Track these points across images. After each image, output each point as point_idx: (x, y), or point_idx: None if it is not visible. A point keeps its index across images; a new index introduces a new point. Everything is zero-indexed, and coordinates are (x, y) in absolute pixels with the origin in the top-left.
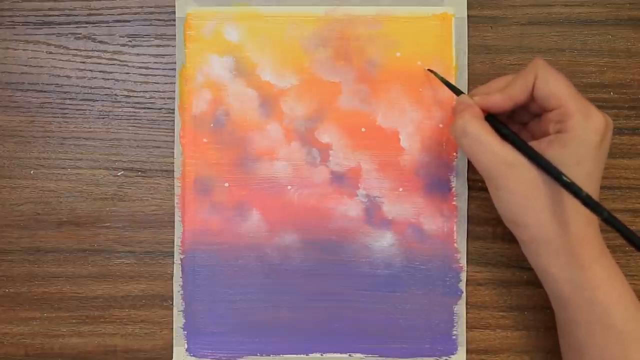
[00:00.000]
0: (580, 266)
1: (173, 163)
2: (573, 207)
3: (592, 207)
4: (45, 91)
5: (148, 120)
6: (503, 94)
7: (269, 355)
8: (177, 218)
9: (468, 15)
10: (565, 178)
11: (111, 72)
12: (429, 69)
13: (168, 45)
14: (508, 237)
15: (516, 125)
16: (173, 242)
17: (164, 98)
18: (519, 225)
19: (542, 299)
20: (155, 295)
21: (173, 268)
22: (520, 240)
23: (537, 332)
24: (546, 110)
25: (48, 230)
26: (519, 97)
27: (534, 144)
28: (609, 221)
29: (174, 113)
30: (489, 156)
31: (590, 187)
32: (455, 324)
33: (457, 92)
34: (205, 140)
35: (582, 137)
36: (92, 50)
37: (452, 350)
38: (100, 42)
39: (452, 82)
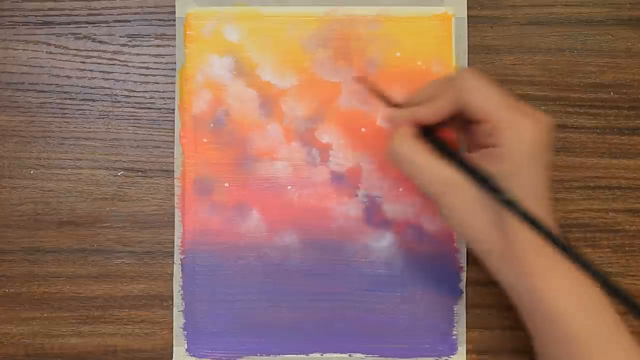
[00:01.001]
0: (538, 276)
1: (173, 163)
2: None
3: (530, 222)
4: (45, 91)
5: (148, 120)
6: (430, 107)
7: (269, 355)
8: (177, 218)
9: (468, 15)
10: (502, 195)
11: (111, 72)
12: (358, 76)
13: (168, 45)
14: None
15: (454, 129)
16: (173, 242)
17: (164, 98)
18: (469, 241)
19: None
20: (155, 295)
21: (173, 268)
22: (477, 255)
23: None
24: (477, 123)
25: (48, 230)
26: (446, 111)
27: (472, 157)
28: (547, 236)
29: (174, 113)
30: (427, 178)
31: (534, 197)
32: (455, 324)
33: (388, 103)
34: (205, 140)
35: (516, 151)
36: (92, 50)
37: (452, 350)
38: (100, 42)
39: None
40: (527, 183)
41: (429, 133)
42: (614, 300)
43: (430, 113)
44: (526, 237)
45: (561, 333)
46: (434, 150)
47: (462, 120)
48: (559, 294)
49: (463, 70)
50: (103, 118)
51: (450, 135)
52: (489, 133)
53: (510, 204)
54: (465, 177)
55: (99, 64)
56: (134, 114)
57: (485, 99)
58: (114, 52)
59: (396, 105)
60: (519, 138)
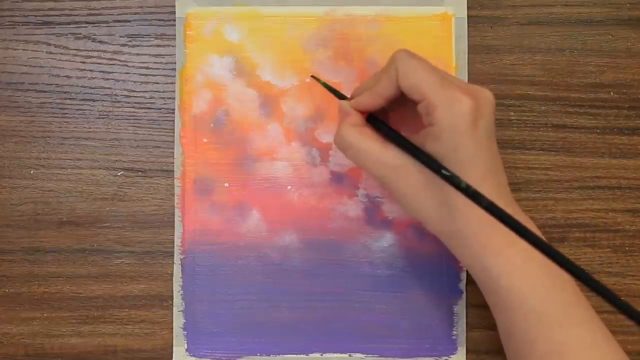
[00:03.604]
0: (490, 254)
1: (173, 163)
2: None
3: (471, 196)
4: (45, 91)
5: (148, 120)
6: (371, 93)
7: (269, 355)
8: (177, 218)
9: (468, 15)
10: (444, 171)
11: (111, 72)
12: (312, 75)
13: (168, 45)
14: None
15: (405, 117)
16: (173, 242)
17: (164, 98)
18: (422, 223)
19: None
20: (155, 295)
21: (173, 268)
22: (435, 236)
23: None
24: (416, 103)
25: (48, 230)
26: (387, 94)
27: (415, 139)
28: (489, 210)
29: (174, 113)
30: (373, 163)
31: (477, 170)
32: (455, 324)
33: (340, 97)
34: (205, 140)
35: (450, 126)
36: (92, 50)
37: (452, 350)
38: (100, 42)
39: None
40: (468, 159)
41: (377, 119)
42: (567, 271)
43: (370, 99)
44: (475, 215)
45: (518, 310)
46: (381, 136)
47: (409, 102)
48: (512, 271)
49: (398, 52)
50: (103, 118)
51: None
52: (425, 112)
53: (451, 181)
54: (410, 159)
55: (99, 64)
56: (134, 114)
57: (419, 79)
58: (114, 52)
59: (345, 98)
60: (452, 114)
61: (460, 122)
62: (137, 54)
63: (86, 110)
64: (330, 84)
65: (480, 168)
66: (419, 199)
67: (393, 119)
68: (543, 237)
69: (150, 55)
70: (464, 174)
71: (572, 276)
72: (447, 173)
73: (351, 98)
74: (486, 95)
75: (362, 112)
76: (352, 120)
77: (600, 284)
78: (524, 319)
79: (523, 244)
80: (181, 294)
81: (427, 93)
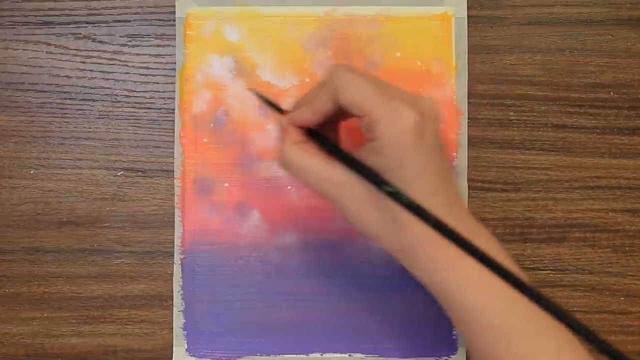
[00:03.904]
0: (441, 269)
1: (173, 163)
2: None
3: (415, 212)
4: (45, 91)
5: (148, 120)
6: (309, 108)
7: (269, 355)
8: (177, 218)
9: (468, 15)
10: (386, 187)
11: (111, 72)
12: (250, 88)
13: (168, 45)
14: (508, 237)
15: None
16: (173, 242)
17: (164, 98)
18: (372, 239)
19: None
20: (155, 295)
21: (173, 268)
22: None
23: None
24: (358, 117)
25: (48, 230)
26: (325, 110)
27: (359, 154)
28: (435, 226)
29: (174, 113)
30: (317, 181)
31: (425, 185)
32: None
33: (280, 111)
34: (205, 140)
35: (393, 142)
36: (92, 50)
37: (452, 350)
38: (100, 42)
39: (452, 82)
40: (414, 174)
41: (319, 135)
42: (513, 287)
43: (309, 115)
44: (422, 230)
45: (477, 325)
46: (324, 152)
47: (351, 117)
48: (466, 286)
49: (336, 67)
50: (103, 118)
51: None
52: (367, 128)
53: (394, 197)
54: (354, 175)
55: (99, 64)
56: (134, 114)
57: (359, 94)
58: (114, 52)
59: (285, 113)
60: (394, 129)
61: (403, 137)
62: (137, 54)
63: (86, 110)
64: None
65: (429, 183)
66: (366, 216)
67: (341, 132)
68: (498, 248)
69: (150, 55)
70: (411, 190)
71: (518, 291)
72: (389, 189)
73: (288, 113)
74: (431, 106)
75: (302, 128)
76: (292, 137)
77: (545, 298)
78: (484, 334)
79: (471, 259)
80: (181, 294)
81: (367, 108)
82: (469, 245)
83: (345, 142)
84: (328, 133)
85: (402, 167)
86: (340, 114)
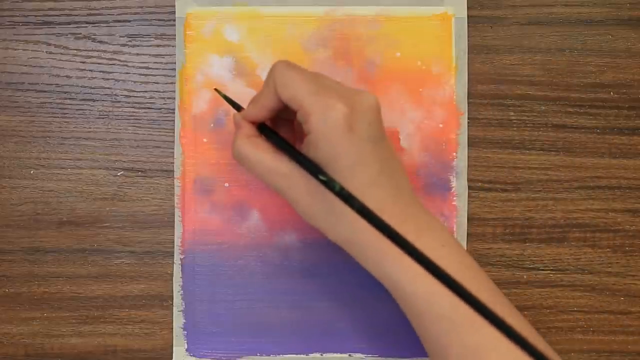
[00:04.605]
0: (390, 261)
1: (173, 163)
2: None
3: (345, 199)
4: (45, 91)
5: (148, 120)
6: (255, 105)
7: (269, 355)
8: (177, 218)
9: (468, 15)
10: (320, 176)
11: (111, 72)
12: (215, 89)
13: (168, 45)
14: (508, 237)
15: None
16: (173, 242)
17: (164, 98)
18: (321, 231)
19: (542, 299)
20: (155, 295)
21: (173, 268)
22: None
23: (536, 332)
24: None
25: (48, 230)
26: (269, 105)
27: (302, 147)
28: (361, 213)
29: (174, 113)
30: (267, 173)
31: (362, 176)
32: None
33: (237, 108)
34: (205, 140)
35: (325, 134)
36: (92, 50)
37: None
38: (100, 42)
39: (452, 82)
40: (349, 165)
41: (269, 130)
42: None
43: (256, 111)
44: (364, 224)
45: (427, 316)
46: (273, 145)
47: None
48: (414, 278)
49: (276, 63)
50: (103, 118)
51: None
52: (302, 120)
53: (327, 185)
54: (298, 167)
55: (99, 64)
56: (134, 114)
57: (295, 88)
58: (114, 52)
59: (240, 110)
60: (325, 122)
61: (333, 129)
62: (137, 54)
63: (86, 110)
64: None
65: (366, 173)
66: (310, 207)
67: (295, 127)
68: (448, 238)
69: (150, 55)
70: (347, 181)
71: (446, 287)
72: (323, 178)
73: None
74: (366, 98)
75: (254, 123)
76: (245, 131)
77: (474, 299)
78: (433, 325)
79: (427, 245)
80: (181, 294)
81: (301, 102)
82: (393, 233)
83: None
84: (282, 129)
85: (336, 160)
86: (289, 110)
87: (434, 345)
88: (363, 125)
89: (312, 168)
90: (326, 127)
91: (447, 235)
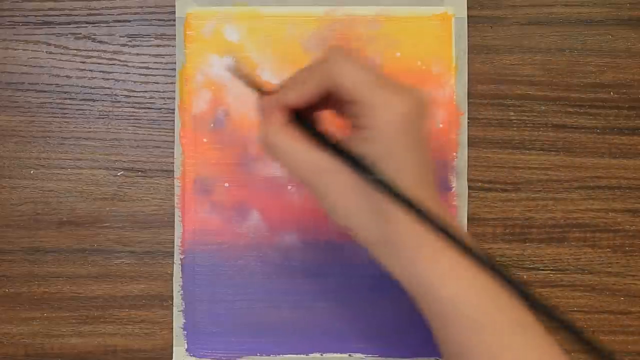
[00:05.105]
0: (419, 262)
1: (173, 163)
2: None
3: (405, 203)
4: (45, 91)
5: (148, 120)
6: (297, 90)
7: (269, 355)
8: (177, 218)
9: (468, 15)
10: (376, 176)
11: (111, 72)
12: (229, 65)
13: (168, 45)
14: (508, 237)
15: (332, 113)
16: (173, 242)
17: (164, 98)
18: (349, 230)
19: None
20: (155, 295)
21: (173, 268)
22: (360, 243)
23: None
24: (348, 103)
25: (48, 230)
26: (316, 92)
27: (346, 140)
28: (424, 218)
29: (174, 113)
30: (300, 165)
31: (411, 175)
32: None
33: (260, 91)
34: (205, 140)
35: (384, 129)
36: (92, 50)
37: None
38: (100, 42)
39: (452, 82)
40: (403, 164)
41: (303, 119)
42: (501, 282)
43: (297, 96)
44: (406, 221)
45: (454, 316)
46: (308, 137)
47: (337, 103)
48: (446, 279)
49: (332, 51)
50: (103, 118)
51: (329, 119)
52: (359, 114)
53: (383, 186)
54: (339, 162)
55: (99, 64)
56: (134, 114)
57: (356, 78)
58: (114, 52)
59: (268, 93)
60: (388, 116)
61: (397, 126)
62: (137, 54)
63: (86, 110)
64: None
65: (414, 175)
66: (347, 205)
67: (315, 119)
68: (475, 245)
69: (150, 55)
70: (398, 179)
71: (507, 285)
72: (379, 178)
73: (272, 94)
74: (422, 98)
75: (285, 110)
76: (278, 118)
77: (528, 291)
78: (457, 325)
79: (452, 250)
80: (181, 294)
81: (363, 93)
82: (457, 238)
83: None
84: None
85: (391, 156)
86: (319, 102)
87: (454, 347)
88: (419, 126)
89: (365, 167)
90: (388, 124)
91: (473, 243)
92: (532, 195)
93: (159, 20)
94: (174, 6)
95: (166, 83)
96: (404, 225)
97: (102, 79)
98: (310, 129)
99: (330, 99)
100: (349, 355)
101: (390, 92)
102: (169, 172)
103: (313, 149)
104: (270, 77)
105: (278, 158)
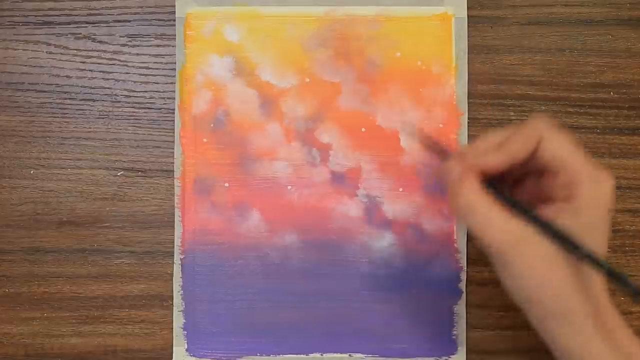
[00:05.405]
0: (609, 337)
1: (173, 163)
2: (593, 273)
3: (617, 278)
4: (45, 91)
5: (148, 120)
6: (501, 153)
7: (269, 355)
8: (177, 218)
9: (468, 15)
10: (585, 250)
11: (111, 72)
12: (418, 129)
13: (168, 45)
14: None
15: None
16: (173, 242)
17: (164, 98)
18: (533, 302)
19: None
20: (155, 295)
21: (173, 268)
22: (535, 320)
23: (536, 332)
24: (549, 173)
25: (48, 230)
26: (519, 157)
27: (543, 210)
28: (638, 293)
29: (174, 113)
30: (496, 234)
31: (604, 248)
32: (455, 324)
33: (444, 155)
34: (205, 140)
35: (595, 205)
36: (92, 50)
37: (452, 350)
38: (100, 42)
39: (452, 82)
40: (602, 238)
41: (499, 186)
42: None
43: (500, 160)
44: (602, 295)
45: None
46: (504, 204)
47: (533, 171)
48: (636, 351)
49: (539, 119)
50: (103, 118)
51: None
52: (565, 185)
53: (595, 261)
54: (537, 232)
55: (99, 64)
56: (134, 114)
57: (566, 149)
58: (114, 52)
59: (452, 156)
60: (600, 192)
61: (606, 201)
62: (137, 54)
63: (86, 110)
64: (329, 83)
65: (605, 245)
66: (544, 274)
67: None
68: None
69: (150, 55)
70: (598, 252)
71: None
72: (589, 253)
73: (459, 157)
74: (612, 176)
75: (480, 175)
76: (474, 182)
77: None
78: None
79: (628, 328)
80: (181, 294)
81: (573, 166)
82: None
83: None
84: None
85: (595, 230)
86: (515, 169)
87: None
88: (612, 205)
89: (571, 240)
90: (598, 199)
91: None
92: None
93: (159, 20)
94: (174, 6)
95: (166, 83)
96: (597, 295)
97: (102, 79)
98: (506, 196)
99: (527, 167)
100: (349, 355)
101: (596, 167)
102: (169, 172)
103: (509, 215)
104: (270, 77)
105: (471, 222)
